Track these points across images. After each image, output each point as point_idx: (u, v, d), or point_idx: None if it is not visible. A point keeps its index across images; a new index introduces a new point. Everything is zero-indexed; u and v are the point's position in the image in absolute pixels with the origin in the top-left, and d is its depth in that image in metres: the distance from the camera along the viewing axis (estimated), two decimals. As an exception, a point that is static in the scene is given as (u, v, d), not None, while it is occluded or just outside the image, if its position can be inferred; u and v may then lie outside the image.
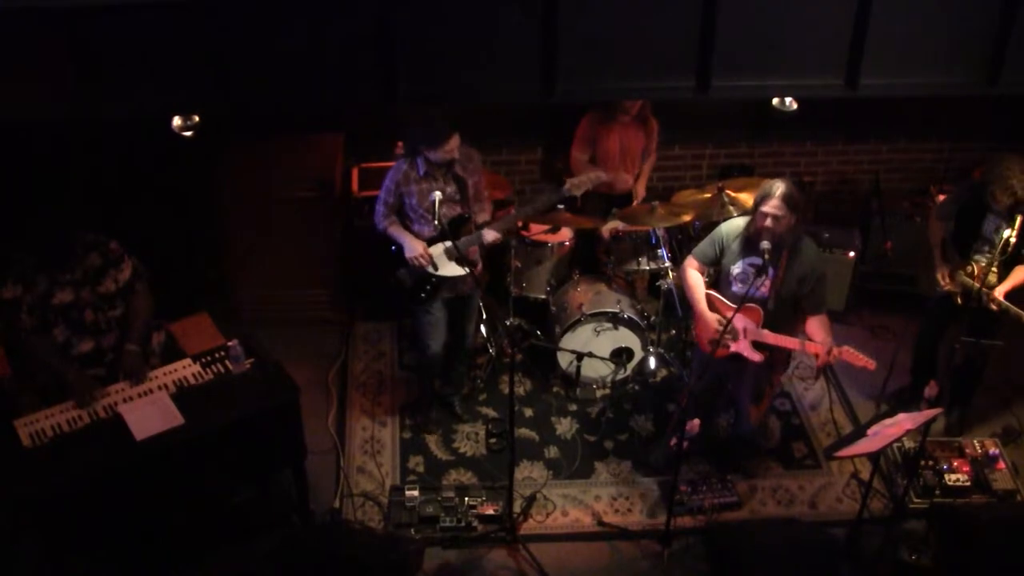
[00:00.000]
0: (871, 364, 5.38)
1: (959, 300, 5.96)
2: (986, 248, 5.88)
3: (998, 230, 5.78)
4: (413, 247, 5.78)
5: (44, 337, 5.15)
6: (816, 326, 5.51)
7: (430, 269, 5.84)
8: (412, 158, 5.69)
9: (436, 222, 5.55)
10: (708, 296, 5.63)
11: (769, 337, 5.50)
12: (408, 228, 5.86)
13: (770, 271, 5.37)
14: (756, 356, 5.58)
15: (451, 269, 5.85)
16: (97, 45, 4.47)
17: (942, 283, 6.01)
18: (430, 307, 6.04)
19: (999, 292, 5.74)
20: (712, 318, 5.54)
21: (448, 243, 5.76)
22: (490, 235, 5.71)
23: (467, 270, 5.74)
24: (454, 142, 5.51)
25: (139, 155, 6.70)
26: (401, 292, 5.99)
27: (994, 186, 5.67)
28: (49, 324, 5.15)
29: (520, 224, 6.77)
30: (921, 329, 6.53)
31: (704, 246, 5.67)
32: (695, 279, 5.67)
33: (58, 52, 4.46)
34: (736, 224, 5.56)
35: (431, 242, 5.81)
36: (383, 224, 5.87)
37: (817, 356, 5.46)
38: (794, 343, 5.52)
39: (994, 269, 5.82)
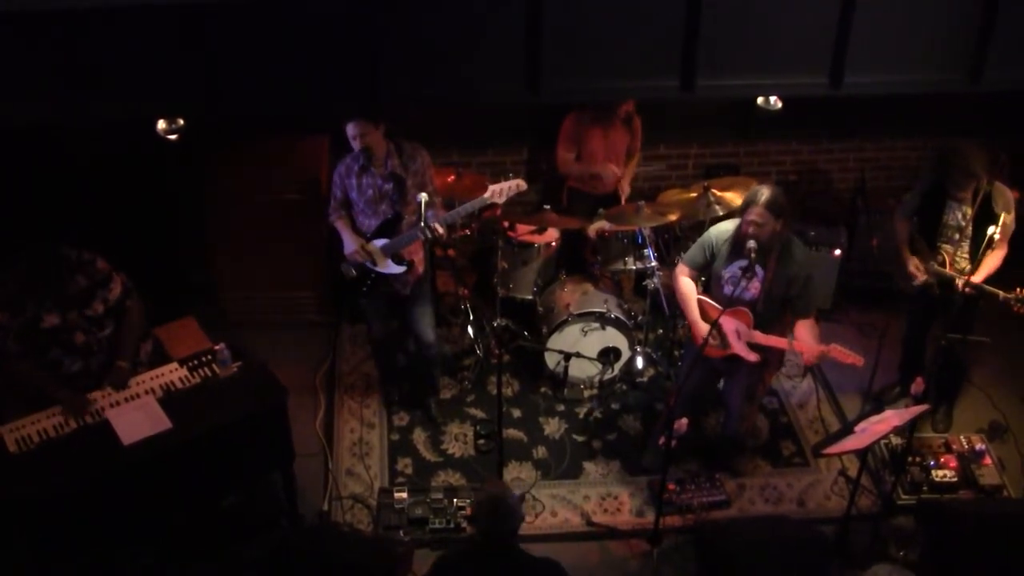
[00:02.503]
0: (859, 360, 5.39)
1: (937, 290, 5.99)
2: (956, 236, 5.93)
3: (964, 217, 5.85)
4: (350, 244, 5.87)
5: (30, 361, 5.11)
6: (804, 330, 5.53)
7: (368, 264, 5.89)
8: (354, 151, 5.73)
9: (423, 223, 5.55)
10: (700, 302, 5.67)
11: (760, 338, 5.52)
12: (354, 220, 5.92)
13: (759, 273, 5.39)
14: (752, 356, 5.60)
15: (388, 266, 5.90)
16: (87, 49, 4.45)
17: (917, 276, 6.03)
18: (372, 299, 6.14)
19: (976, 280, 5.77)
20: (704, 326, 5.56)
21: (385, 240, 5.82)
22: (435, 226, 5.60)
23: (403, 268, 5.88)
24: (357, 128, 5.51)
25: (124, 158, 6.67)
26: (346, 284, 6.08)
27: (955, 175, 5.72)
28: (41, 348, 5.12)
29: (506, 224, 6.79)
30: (907, 326, 6.57)
31: (694, 252, 5.70)
32: (687, 287, 5.70)
33: (48, 55, 4.44)
34: (725, 227, 5.58)
35: (370, 237, 5.85)
36: (331, 217, 5.97)
37: (804, 355, 5.48)
38: (782, 343, 5.53)
39: (965, 255, 5.90)
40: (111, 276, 5.27)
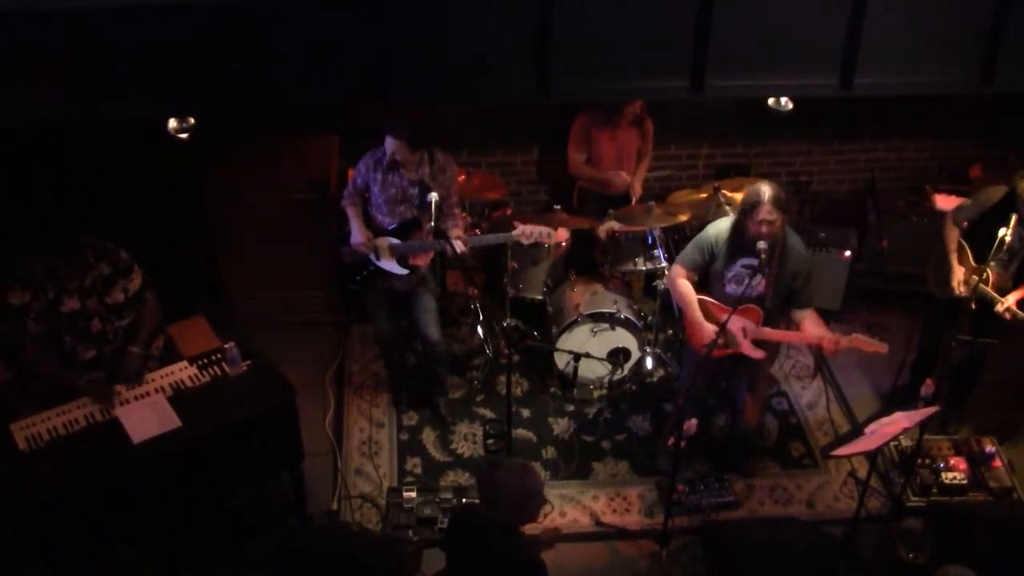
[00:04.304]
0: (883, 348, 5.32)
1: (973, 305, 5.82)
2: (1006, 257, 5.81)
3: (1021, 238, 5.74)
4: (357, 234, 5.87)
5: (48, 346, 5.13)
6: (811, 321, 5.51)
7: (371, 256, 5.89)
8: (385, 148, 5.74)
9: (432, 223, 5.57)
10: (702, 302, 5.61)
11: (773, 334, 5.51)
12: (367, 213, 5.93)
13: (766, 269, 5.38)
14: (758, 354, 5.60)
15: (391, 265, 5.91)
16: (95, 48, 4.47)
17: (959, 290, 5.90)
18: (370, 291, 6.13)
19: (1011, 300, 5.72)
20: (710, 328, 5.50)
21: (398, 241, 5.83)
22: (459, 245, 5.67)
23: (405, 271, 5.88)
24: (394, 146, 5.52)
25: (133, 157, 6.69)
26: (343, 268, 6.09)
27: None
28: (58, 332, 5.14)
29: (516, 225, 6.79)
30: (926, 328, 6.49)
31: (691, 253, 5.61)
32: (687, 288, 5.61)
33: (56, 55, 4.46)
34: (722, 226, 5.53)
35: (385, 235, 5.86)
36: (344, 203, 5.97)
37: (823, 347, 5.41)
38: (800, 337, 5.51)
39: (1010, 277, 5.83)
40: (132, 267, 5.30)
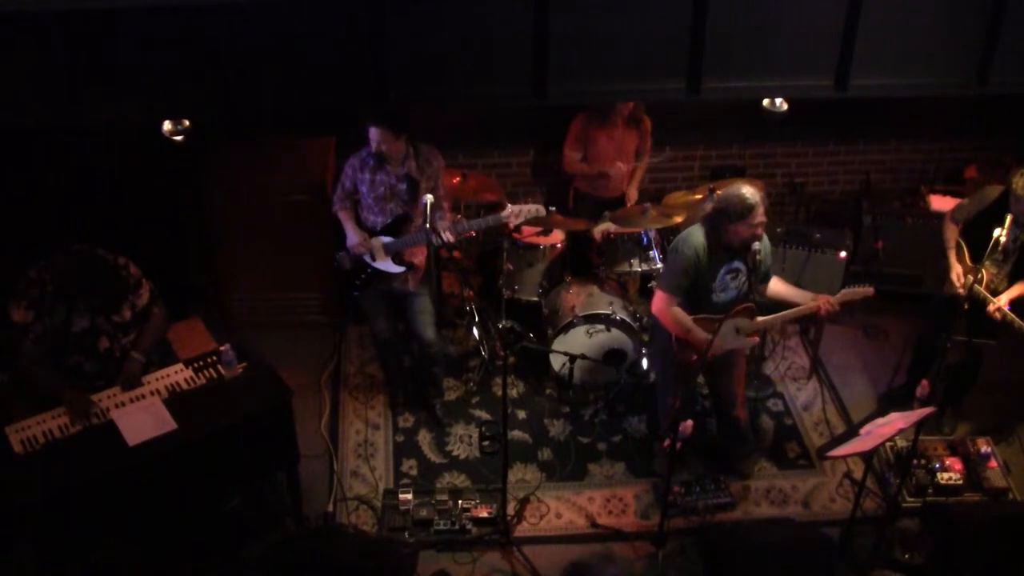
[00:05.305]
0: (869, 291, 5.50)
1: (967, 305, 5.79)
2: (1001, 257, 5.85)
3: (1015, 239, 5.77)
4: (352, 236, 5.89)
5: (47, 364, 5.12)
6: (783, 286, 5.63)
7: (367, 259, 5.89)
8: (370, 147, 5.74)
9: (428, 225, 5.56)
10: (699, 320, 5.51)
11: (770, 321, 5.53)
12: (359, 214, 5.95)
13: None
14: (754, 340, 5.72)
15: (387, 264, 5.90)
16: (95, 49, 4.46)
17: (957, 285, 5.92)
18: (368, 293, 6.12)
19: (1003, 300, 5.74)
20: (705, 337, 5.43)
21: (390, 239, 5.84)
22: (444, 231, 5.65)
23: (401, 268, 5.88)
24: (378, 135, 5.54)
25: (129, 159, 6.68)
26: (339, 274, 6.09)
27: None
28: (66, 352, 5.12)
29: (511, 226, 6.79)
30: (924, 328, 6.51)
31: (677, 279, 5.48)
32: (683, 314, 5.49)
33: (55, 56, 4.45)
34: (697, 240, 5.42)
35: (378, 233, 5.86)
36: (336, 207, 5.99)
37: (819, 311, 5.51)
38: (795, 312, 5.57)
39: (1004, 278, 5.85)
40: (141, 282, 5.30)
